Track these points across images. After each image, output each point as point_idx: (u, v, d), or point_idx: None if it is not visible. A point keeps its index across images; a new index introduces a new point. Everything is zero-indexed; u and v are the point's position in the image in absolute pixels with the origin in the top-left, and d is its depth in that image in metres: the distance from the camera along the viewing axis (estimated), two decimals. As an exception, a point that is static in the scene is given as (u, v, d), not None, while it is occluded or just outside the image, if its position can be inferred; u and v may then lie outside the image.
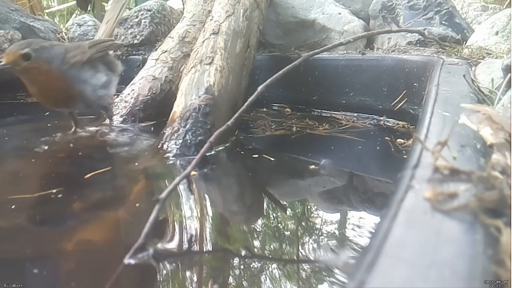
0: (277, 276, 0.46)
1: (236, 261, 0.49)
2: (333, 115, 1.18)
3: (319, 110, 1.22)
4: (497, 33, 1.08)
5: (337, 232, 0.57)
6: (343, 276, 0.44)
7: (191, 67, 0.96)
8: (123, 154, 0.91)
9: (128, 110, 1.05)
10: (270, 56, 1.35)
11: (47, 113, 1.07)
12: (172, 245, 0.51)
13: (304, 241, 0.54)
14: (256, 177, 0.80)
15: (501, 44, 1.05)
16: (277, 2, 1.43)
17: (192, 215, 0.61)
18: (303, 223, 0.60)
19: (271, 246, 0.53)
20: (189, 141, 0.81)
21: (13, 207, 0.59)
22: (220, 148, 0.84)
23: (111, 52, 1.01)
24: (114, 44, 1.02)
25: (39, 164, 0.80)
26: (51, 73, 0.82)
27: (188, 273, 0.47)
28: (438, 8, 1.28)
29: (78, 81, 0.86)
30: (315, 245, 0.52)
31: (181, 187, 0.67)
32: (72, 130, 0.96)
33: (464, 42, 1.17)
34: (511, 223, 0.29)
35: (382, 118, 1.09)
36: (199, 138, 0.81)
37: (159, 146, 0.83)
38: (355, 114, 1.15)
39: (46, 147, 0.87)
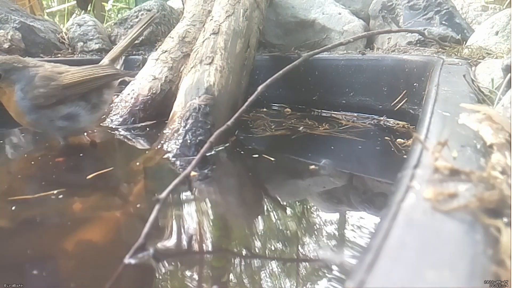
0: (277, 276, 0.46)
1: (236, 261, 0.49)
2: (333, 115, 1.18)
3: (319, 110, 1.22)
4: (497, 33, 1.08)
5: (337, 232, 0.57)
6: (343, 276, 0.44)
7: (191, 67, 0.96)
8: (124, 154, 0.91)
9: (128, 110, 1.05)
10: (270, 56, 1.35)
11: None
12: (172, 245, 0.51)
13: (304, 241, 0.54)
14: (256, 177, 0.80)
15: (501, 44, 1.05)
16: (277, 2, 1.43)
17: (192, 215, 0.61)
18: (303, 223, 0.60)
19: (271, 246, 0.53)
20: (189, 141, 0.81)
21: (13, 208, 0.59)
22: (220, 148, 0.84)
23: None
24: (111, 77, 0.90)
25: (39, 165, 0.80)
26: (12, 96, 0.81)
27: (188, 273, 0.47)
28: (438, 8, 1.28)
29: (30, 112, 0.82)
30: (315, 245, 0.52)
31: (181, 187, 0.67)
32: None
33: (464, 42, 1.17)
34: (511, 223, 0.29)
35: (382, 118, 1.09)
36: (199, 138, 0.81)
37: (159, 146, 0.83)
38: (355, 114, 1.15)
39: (46, 149, 0.87)
